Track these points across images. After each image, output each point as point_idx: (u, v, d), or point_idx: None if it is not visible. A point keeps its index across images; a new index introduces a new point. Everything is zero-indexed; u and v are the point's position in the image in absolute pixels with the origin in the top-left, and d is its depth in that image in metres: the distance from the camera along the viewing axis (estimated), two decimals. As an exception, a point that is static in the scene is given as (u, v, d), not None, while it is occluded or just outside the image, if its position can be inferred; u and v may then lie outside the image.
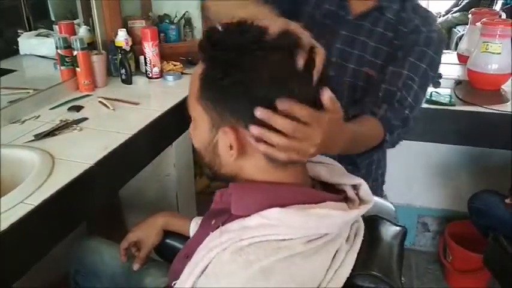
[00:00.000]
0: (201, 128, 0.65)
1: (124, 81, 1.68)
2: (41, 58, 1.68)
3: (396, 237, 0.76)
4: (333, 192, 0.69)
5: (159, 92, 1.69)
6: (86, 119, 1.34)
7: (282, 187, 0.64)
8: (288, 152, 0.59)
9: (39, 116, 1.36)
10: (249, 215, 0.61)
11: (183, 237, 1.03)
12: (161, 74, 1.75)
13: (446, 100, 1.57)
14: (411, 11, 1.07)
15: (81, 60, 1.52)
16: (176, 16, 1.96)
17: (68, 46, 1.51)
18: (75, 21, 1.72)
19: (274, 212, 0.59)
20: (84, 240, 1.15)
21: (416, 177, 2.04)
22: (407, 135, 1.04)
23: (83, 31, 1.72)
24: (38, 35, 1.69)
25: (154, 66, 1.72)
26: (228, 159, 0.64)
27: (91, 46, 1.68)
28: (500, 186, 1.59)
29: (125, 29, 1.71)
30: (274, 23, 0.62)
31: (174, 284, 0.71)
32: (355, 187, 0.72)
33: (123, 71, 1.66)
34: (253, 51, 0.59)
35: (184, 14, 1.97)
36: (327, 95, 0.59)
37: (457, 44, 2.09)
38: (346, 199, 0.70)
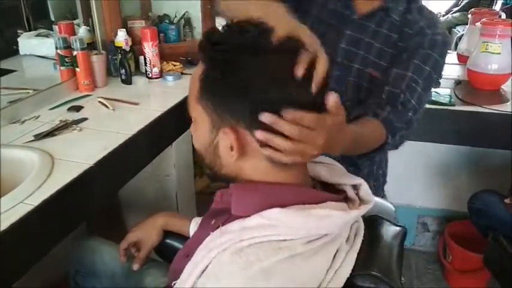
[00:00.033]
0: (201, 128, 0.65)
1: (124, 82, 1.68)
2: (41, 58, 1.68)
3: (396, 238, 0.76)
4: (333, 192, 0.69)
5: (158, 92, 1.69)
6: (85, 119, 1.34)
7: (282, 187, 0.64)
8: (292, 155, 0.59)
9: (39, 116, 1.36)
10: (249, 216, 0.61)
11: (183, 238, 1.03)
12: (161, 74, 1.75)
13: (446, 100, 1.57)
14: (417, 12, 1.07)
15: (81, 61, 1.52)
16: (176, 16, 1.96)
17: (68, 46, 1.51)
18: (75, 22, 1.72)
19: (275, 212, 0.59)
20: (84, 240, 1.15)
21: (416, 177, 2.04)
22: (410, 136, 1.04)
23: (82, 31, 1.72)
24: (38, 35, 1.69)
25: (154, 67, 1.72)
26: (228, 160, 0.63)
27: (91, 46, 1.68)
28: (500, 186, 1.59)
29: (124, 29, 1.71)
30: (282, 26, 0.61)
31: (174, 284, 0.71)
32: (355, 187, 0.72)
33: (122, 71, 1.66)
34: (254, 51, 0.59)
35: (184, 14, 1.97)
36: (332, 99, 0.59)
37: (456, 44, 2.09)
38: (346, 199, 0.70)
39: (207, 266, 0.60)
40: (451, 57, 2.04)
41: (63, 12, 1.81)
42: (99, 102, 1.47)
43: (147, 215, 1.11)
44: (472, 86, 1.72)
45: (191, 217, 1.04)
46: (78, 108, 1.42)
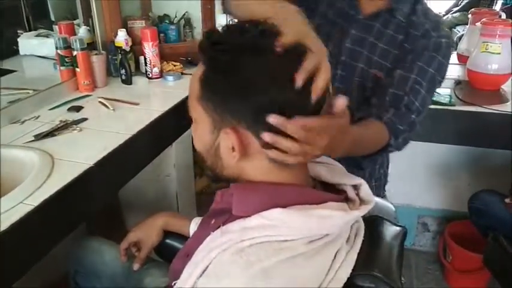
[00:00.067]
0: (202, 129, 0.65)
1: (124, 82, 1.68)
2: (41, 58, 1.68)
3: (396, 238, 0.76)
4: (334, 192, 0.69)
5: (159, 92, 1.69)
6: (85, 119, 1.34)
7: (283, 188, 0.64)
8: (297, 156, 0.60)
9: (39, 116, 1.36)
10: (249, 216, 0.61)
11: (183, 238, 1.03)
12: (161, 74, 1.75)
13: (446, 100, 1.57)
14: (422, 14, 1.07)
15: (81, 61, 1.52)
16: (176, 16, 1.96)
17: (68, 46, 1.51)
18: (75, 22, 1.72)
19: (276, 212, 0.59)
20: (84, 241, 1.15)
21: (416, 177, 2.04)
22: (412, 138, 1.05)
23: (82, 31, 1.72)
24: (38, 35, 1.69)
25: (154, 67, 1.72)
26: (230, 161, 0.63)
27: (91, 46, 1.68)
28: (500, 186, 1.59)
29: (124, 29, 1.72)
30: (291, 29, 0.60)
31: (174, 284, 0.71)
32: (355, 187, 0.72)
33: (123, 71, 1.66)
34: (254, 51, 0.58)
35: (184, 14, 1.97)
36: (341, 104, 0.59)
37: (456, 44, 2.09)
38: (347, 199, 0.70)
39: (207, 266, 0.60)
40: (451, 57, 2.03)
41: (63, 12, 1.81)
42: (99, 102, 1.47)
43: (147, 215, 1.11)
44: (472, 86, 1.72)
45: (191, 217, 1.04)
46: (78, 109, 1.42)
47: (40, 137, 1.20)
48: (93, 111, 1.42)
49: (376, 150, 0.98)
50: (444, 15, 3.81)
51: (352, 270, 0.63)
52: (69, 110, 1.41)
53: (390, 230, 0.77)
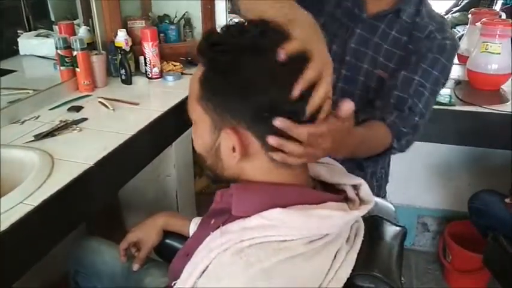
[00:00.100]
0: (202, 130, 0.65)
1: (124, 82, 1.68)
2: (41, 58, 1.68)
3: (396, 238, 0.76)
4: (333, 192, 0.69)
5: (158, 92, 1.69)
6: (85, 119, 1.34)
7: (283, 188, 0.64)
8: (301, 158, 0.60)
9: (38, 116, 1.36)
10: (249, 216, 0.61)
11: (183, 238, 1.03)
12: (161, 74, 1.75)
13: (446, 100, 1.57)
14: (426, 15, 1.07)
15: (81, 61, 1.52)
16: (176, 16, 1.96)
17: (68, 46, 1.51)
18: (75, 22, 1.72)
19: (276, 212, 0.59)
20: (84, 241, 1.15)
21: (416, 177, 2.04)
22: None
23: (82, 31, 1.72)
24: (38, 35, 1.69)
25: (154, 67, 1.72)
26: (230, 161, 0.63)
27: (91, 46, 1.68)
28: (500, 186, 1.59)
29: (124, 30, 1.71)
30: (299, 35, 0.59)
31: (174, 284, 0.71)
32: (355, 187, 0.72)
33: (122, 71, 1.66)
34: (254, 51, 0.58)
35: (184, 14, 1.97)
36: (347, 108, 0.60)
37: (457, 44, 2.09)
38: (347, 199, 0.70)
39: (207, 267, 0.60)
40: (452, 57, 2.04)
41: (63, 12, 1.81)
42: (99, 102, 1.47)
43: (147, 215, 1.11)
44: (472, 86, 1.72)
45: (191, 217, 1.04)
46: (78, 109, 1.42)
47: (40, 137, 1.20)
48: (93, 111, 1.42)
49: (379, 152, 0.98)
50: (444, 15, 3.81)
51: (352, 270, 0.63)
52: (69, 110, 1.41)
53: (390, 230, 0.77)
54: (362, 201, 0.70)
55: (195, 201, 1.89)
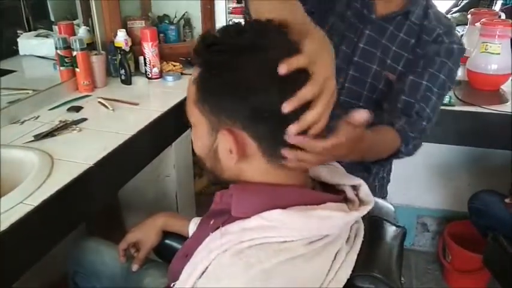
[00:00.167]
0: (200, 132, 0.65)
1: (123, 82, 1.68)
2: (41, 59, 1.68)
3: (396, 238, 0.76)
4: (333, 192, 0.69)
5: (158, 93, 1.69)
6: (85, 119, 1.34)
7: (283, 188, 0.64)
8: (312, 164, 0.62)
9: (38, 116, 1.36)
10: (249, 217, 0.61)
11: (183, 238, 1.02)
12: (161, 75, 1.75)
13: (446, 100, 1.57)
14: (434, 19, 1.07)
15: (81, 61, 1.52)
16: (176, 16, 1.96)
17: (68, 46, 1.51)
18: (75, 22, 1.72)
19: (275, 213, 0.59)
20: (84, 241, 1.15)
21: (416, 177, 2.04)
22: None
23: (82, 31, 1.72)
24: (38, 35, 1.70)
25: (153, 67, 1.72)
26: (229, 163, 0.63)
27: (90, 46, 1.68)
28: (500, 186, 1.59)
29: (124, 30, 1.72)
30: (306, 46, 0.58)
31: (174, 285, 0.71)
32: (354, 188, 0.72)
33: (122, 71, 1.66)
34: (252, 51, 0.58)
35: (183, 14, 1.97)
36: (360, 117, 0.59)
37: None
38: (346, 200, 0.70)
39: (207, 267, 0.60)
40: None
41: (63, 13, 1.81)
42: (99, 102, 1.47)
43: (146, 215, 1.11)
44: (471, 86, 1.72)
45: (191, 217, 1.04)
46: (77, 109, 1.42)
47: (40, 137, 1.20)
48: (93, 111, 1.42)
49: (387, 155, 0.98)
50: (444, 15, 3.81)
51: (352, 271, 0.63)
52: (68, 110, 1.41)
53: (390, 231, 0.77)
54: (361, 202, 0.69)
55: (194, 201, 1.88)
